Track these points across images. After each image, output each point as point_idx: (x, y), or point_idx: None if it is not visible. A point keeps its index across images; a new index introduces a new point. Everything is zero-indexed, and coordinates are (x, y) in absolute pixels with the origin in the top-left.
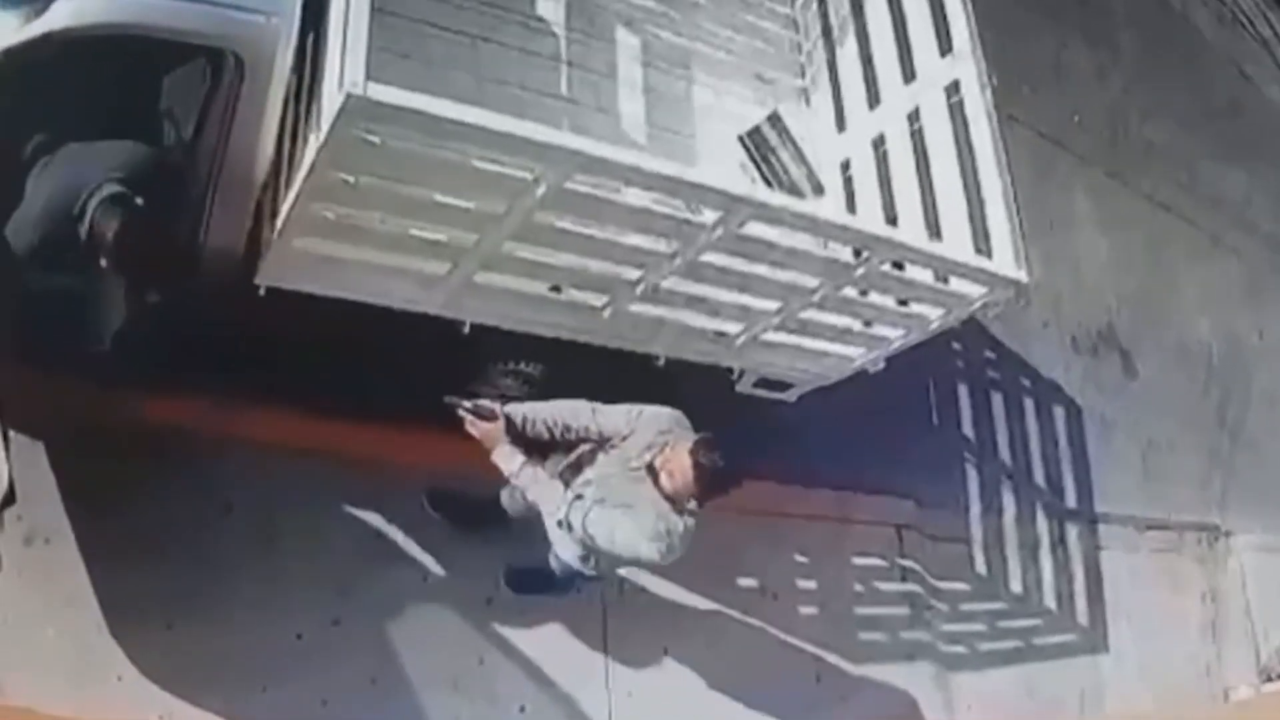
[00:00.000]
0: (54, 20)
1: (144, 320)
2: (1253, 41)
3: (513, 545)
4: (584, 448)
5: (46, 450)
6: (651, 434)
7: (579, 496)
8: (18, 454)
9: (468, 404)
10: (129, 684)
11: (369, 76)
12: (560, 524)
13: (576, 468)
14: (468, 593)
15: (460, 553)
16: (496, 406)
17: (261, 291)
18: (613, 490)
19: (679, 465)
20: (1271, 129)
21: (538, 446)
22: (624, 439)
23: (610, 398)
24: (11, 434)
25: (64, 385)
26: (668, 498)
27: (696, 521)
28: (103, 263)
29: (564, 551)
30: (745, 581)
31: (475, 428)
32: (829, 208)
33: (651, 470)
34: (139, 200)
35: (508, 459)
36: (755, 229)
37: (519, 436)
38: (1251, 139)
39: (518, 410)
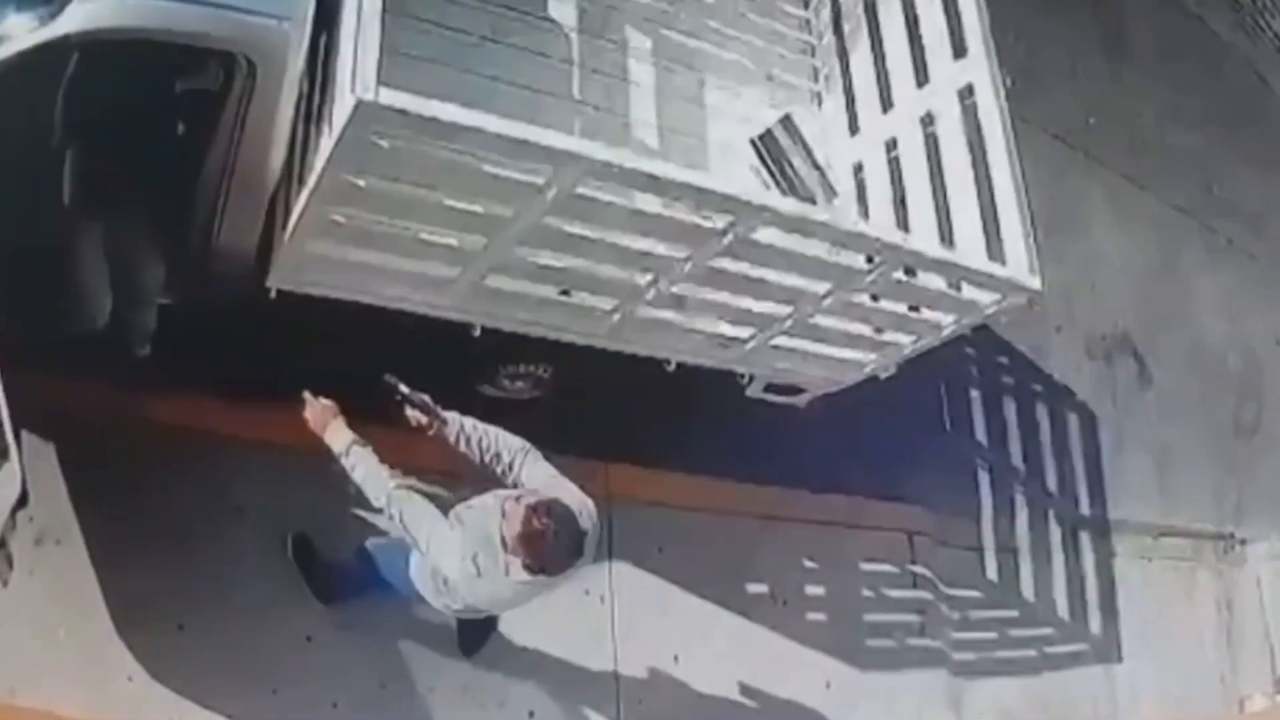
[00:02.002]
0: (68, 24)
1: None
2: (1271, 47)
3: None
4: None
5: (58, 451)
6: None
7: (400, 486)
8: (30, 455)
9: (405, 388)
10: (139, 685)
11: (380, 81)
12: (382, 510)
13: None
14: None
15: None
16: (429, 403)
17: (273, 294)
18: (465, 509)
19: (514, 512)
20: None
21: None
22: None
23: (621, 402)
24: (23, 435)
25: (75, 387)
26: (505, 545)
27: (526, 592)
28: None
29: (411, 565)
30: (755, 587)
31: (308, 410)
32: (841, 213)
33: (503, 513)
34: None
35: (337, 435)
36: (766, 234)
37: (451, 446)
38: (1268, 143)
39: (459, 419)
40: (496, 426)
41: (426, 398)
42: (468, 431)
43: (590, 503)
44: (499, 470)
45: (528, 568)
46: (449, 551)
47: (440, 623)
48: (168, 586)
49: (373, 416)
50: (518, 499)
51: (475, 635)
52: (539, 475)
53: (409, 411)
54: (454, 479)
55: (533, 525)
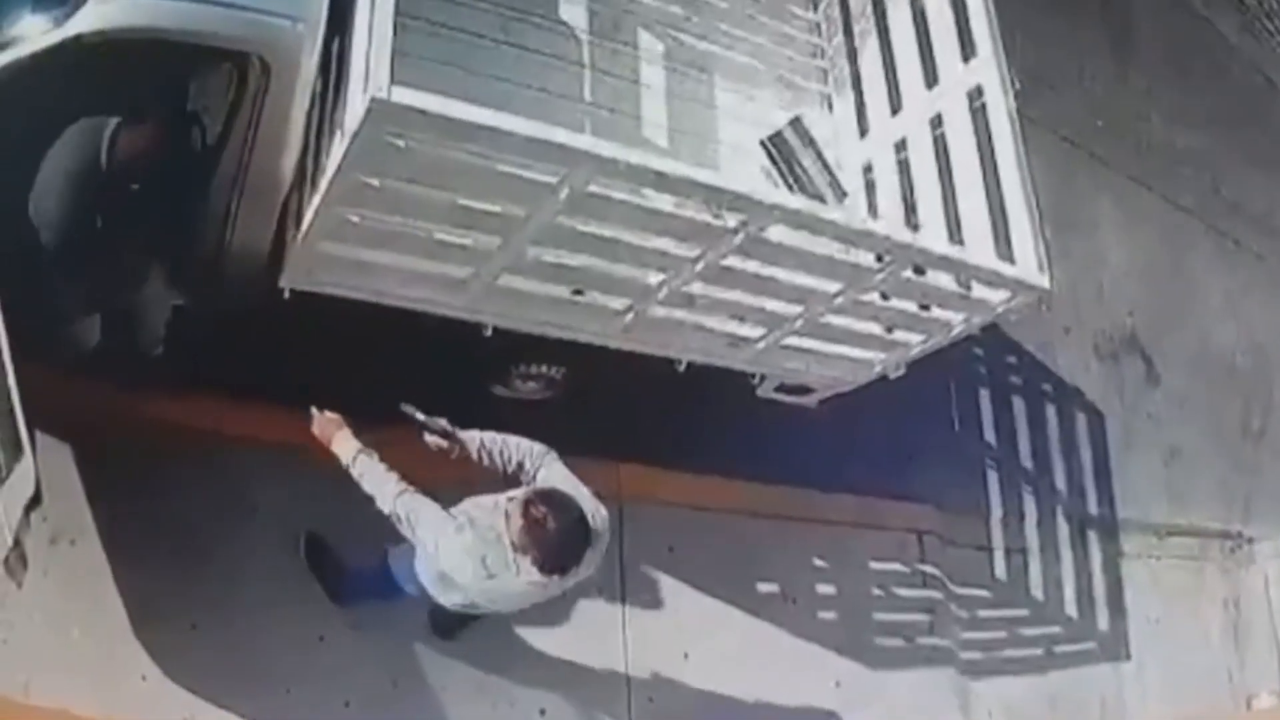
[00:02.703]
0: (81, 23)
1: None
2: (1278, 49)
3: None
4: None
5: (72, 451)
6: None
7: (405, 491)
8: (44, 454)
9: (421, 416)
10: (153, 684)
11: (394, 80)
12: (392, 516)
13: None
14: None
15: None
16: (448, 426)
17: (286, 294)
18: (472, 508)
19: (514, 509)
20: None
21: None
22: None
23: (632, 403)
24: (38, 434)
25: (90, 386)
26: (513, 546)
27: (537, 592)
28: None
29: (418, 562)
30: (765, 586)
31: (314, 424)
32: (851, 213)
33: (506, 514)
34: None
35: (342, 445)
36: (777, 233)
37: (476, 464)
38: (1275, 144)
39: (475, 435)
40: (515, 435)
41: (444, 422)
42: (488, 446)
43: (603, 508)
44: (523, 479)
45: (539, 565)
46: (459, 555)
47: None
48: (181, 586)
49: (386, 419)
50: (515, 497)
51: (453, 620)
52: (554, 478)
53: (428, 438)
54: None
55: (530, 514)
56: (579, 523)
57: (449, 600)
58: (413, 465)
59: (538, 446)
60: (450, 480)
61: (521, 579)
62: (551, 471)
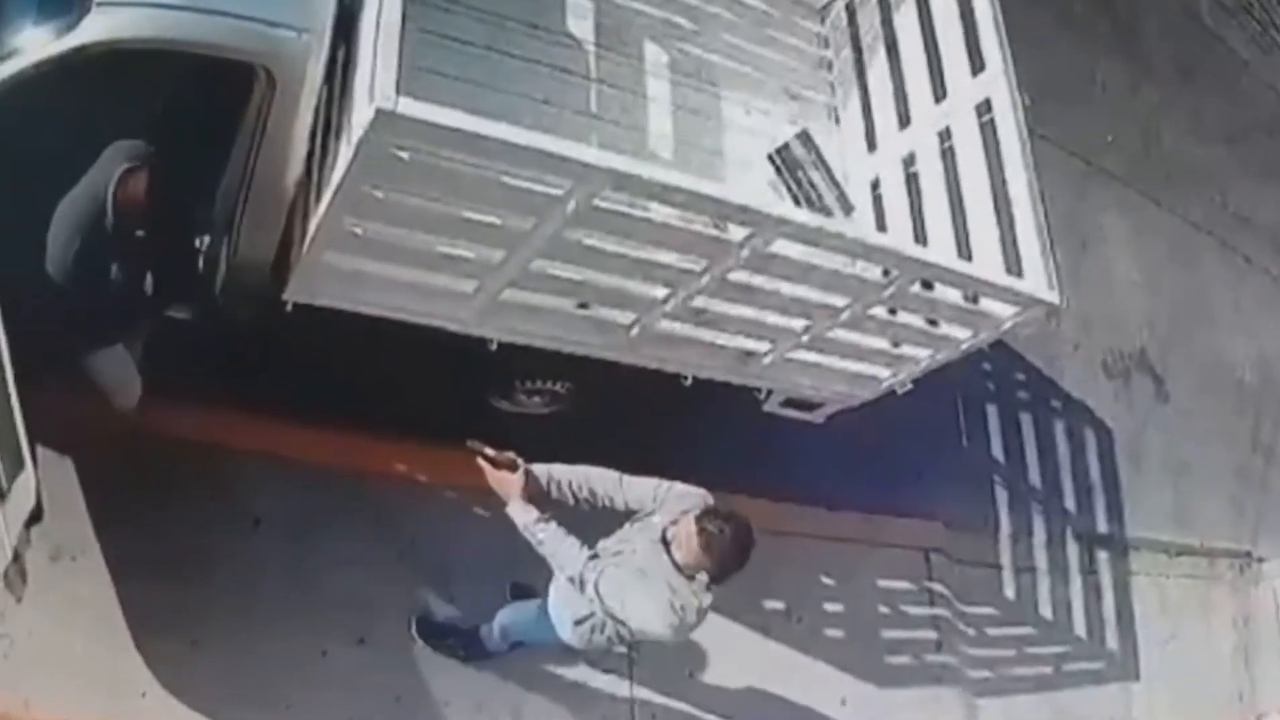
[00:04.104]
0: (86, 34)
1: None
2: None
3: None
4: None
5: (74, 466)
6: (676, 510)
7: (595, 555)
8: (45, 469)
9: (490, 452)
10: (154, 700)
11: (400, 92)
12: (573, 580)
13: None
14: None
15: None
16: (518, 460)
17: (289, 307)
18: (630, 558)
19: (685, 532)
20: None
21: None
22: (649, 514)
23: (636, 418)
24: (39, 449)
25: (92, 401)
26: (681, 570)
27: (712, 600)
28: (137, 232)
29: (563, 612)
30: (771, 603)
31: (492, 477)
32: (858, 227)
33: (665, 542)
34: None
35: (522, 512)
36: (783, 247)
37: (543, 496)
38: None
39: (544, 470)
40: (583, 466)
41: (512, 455)
42: (557, 477)
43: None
44: (597, 506)
45: (712, 577)
46: (650, 609)
47: None
48: (183, 601)
49: (399, 433)
50: (673, 523)
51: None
52: (644, 492)
53: (498, 474)
54: None
55: (706, 532)
56: (747, 524)
57: (587, 644)
58: None
59: (608, 474)
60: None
61: (704, 606)
62: (636, 488)
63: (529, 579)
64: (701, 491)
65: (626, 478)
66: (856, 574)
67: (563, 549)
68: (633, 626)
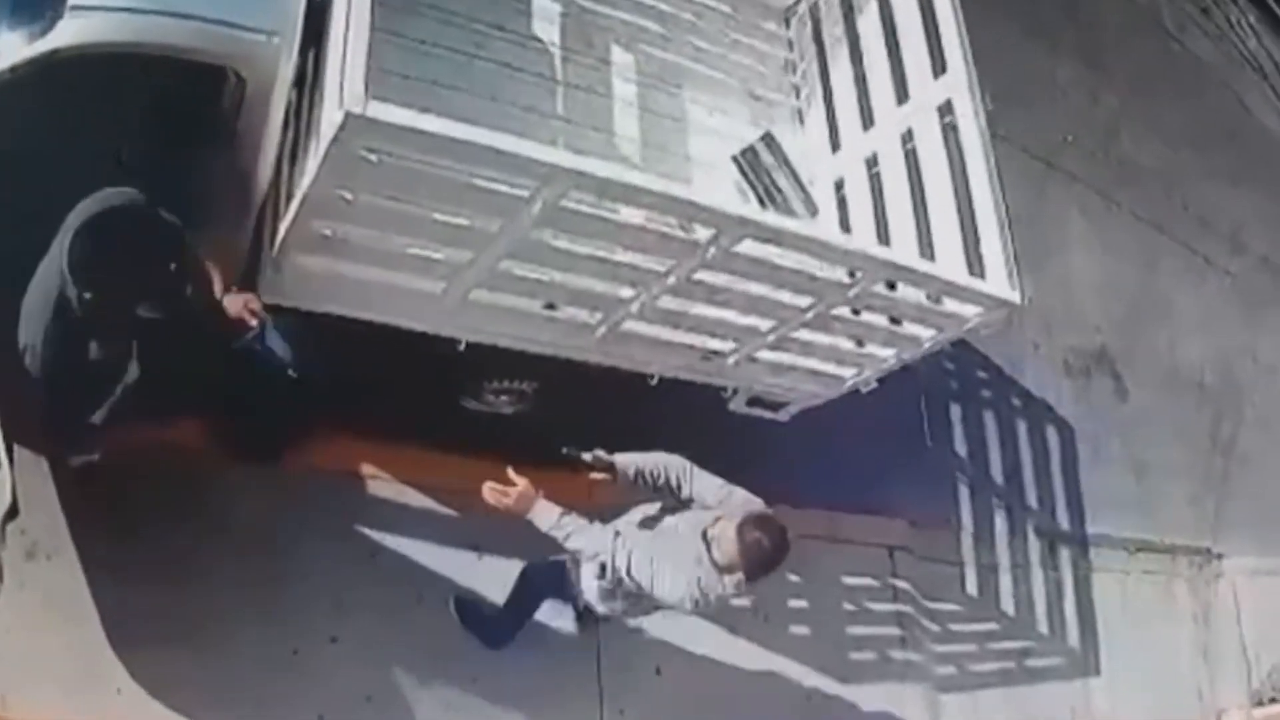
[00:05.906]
0: (59, 39)
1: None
2: (1249, 67)
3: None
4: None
5: (50, 466)
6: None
7: (618, 534)
8: (21, 468)
9: (587, 456)
10: (128, 698)
11: (369, 95)
12: (604, 567)
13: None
14: None
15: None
16: (607, 456)
17: None
18: (671, 537)
19: (725, 536)
20: (1265, 153)
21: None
22: (706, 508)
23: (603, 416)
24: (15, 448)
25: None
26: (716, 566)
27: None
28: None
29: (590, 581)
30: (736, 601)
31: (504, 499)
32: (822, 227)
33: (706, 539)
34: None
35: (545, 515)
36: (749, 248)
37: (628, 484)
38: (1245, 162)
39: (629, 460)
40: (657, 453)
41: (601, 452)
42: (639, 466)
43: (759, 500)
44: (670, 491)
45: (748, 576)
46: (677, 585)
47: (427, 635)
48: (157, 601)
49: (368, 434)
50: (715, 522)
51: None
52: (708, 489)
53: (593, 475)
54: None
55: (745, 539)
56: (784, 534)
57: (607, 608)
58: None
59: (678, 461)
60: None
61: (727, 594)
62: (701, 482)
63: (496, 580)
64: (760, 501)
65: (697, 471)
66: (821, 572)
67: (588, 536)
68: (657, 595)
